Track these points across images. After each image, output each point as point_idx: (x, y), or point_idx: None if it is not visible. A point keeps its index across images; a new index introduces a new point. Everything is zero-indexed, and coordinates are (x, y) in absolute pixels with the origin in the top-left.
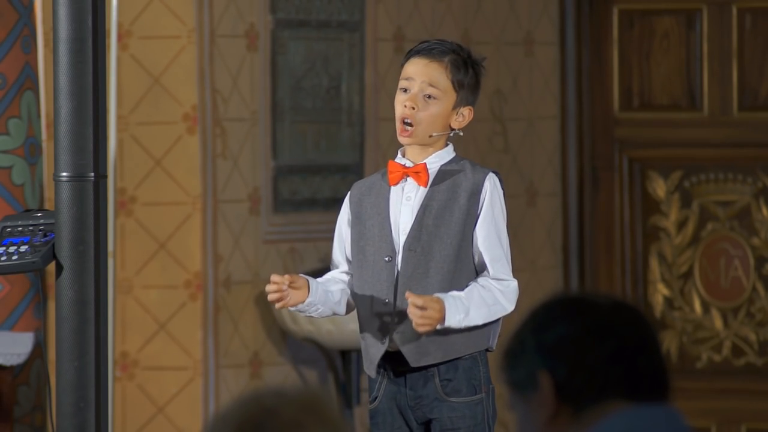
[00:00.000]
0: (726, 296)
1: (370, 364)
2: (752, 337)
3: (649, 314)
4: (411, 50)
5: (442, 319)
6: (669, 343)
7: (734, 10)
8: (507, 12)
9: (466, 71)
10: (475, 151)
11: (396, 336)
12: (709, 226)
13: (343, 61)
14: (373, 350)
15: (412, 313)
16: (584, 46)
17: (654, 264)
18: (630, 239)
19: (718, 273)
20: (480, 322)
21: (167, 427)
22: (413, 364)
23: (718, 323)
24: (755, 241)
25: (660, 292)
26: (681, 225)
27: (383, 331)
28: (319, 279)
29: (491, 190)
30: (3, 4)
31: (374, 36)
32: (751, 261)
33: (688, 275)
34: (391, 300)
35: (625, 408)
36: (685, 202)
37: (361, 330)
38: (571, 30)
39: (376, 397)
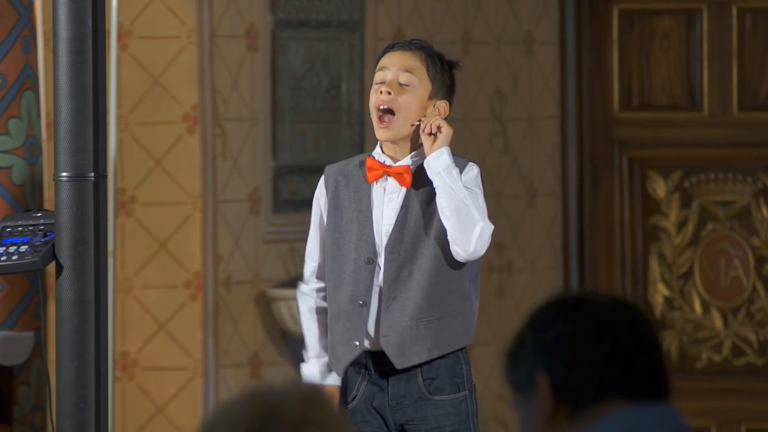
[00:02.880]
0: (726, 296)
1: (337, 363)
2: (752, 337)
3: (649, 314)
4: (385, 48)
5: (438, 141)
6: (669, 343)
7: (734, 10)
8: (507, 12)
9: (442, 65)
10: (475, 151)
11: (382, 340)
12: (709, 226)
13: (343, 61)
14: (342, 350)
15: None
16: (584, 46)
17: (654, 264)
18: (630, 239)
19: (718, 273)
20: (450, 195)
21: (167, 427)
22: (399, 366)
23: (718, 323)
24: (755, 241)
25: (660, 292)
26: (681, 225)
27: (354, 332)
28: (313, 354)
29: (465, 177)
30: (3, 4)
31: (374, 36)
32: (751, 261)
33: (688, 275)
34: (367, 302)
35: (623, 407)
36: (685, 202)
37: (330, 326)
38: (571, 30)
39: (355, 396)
